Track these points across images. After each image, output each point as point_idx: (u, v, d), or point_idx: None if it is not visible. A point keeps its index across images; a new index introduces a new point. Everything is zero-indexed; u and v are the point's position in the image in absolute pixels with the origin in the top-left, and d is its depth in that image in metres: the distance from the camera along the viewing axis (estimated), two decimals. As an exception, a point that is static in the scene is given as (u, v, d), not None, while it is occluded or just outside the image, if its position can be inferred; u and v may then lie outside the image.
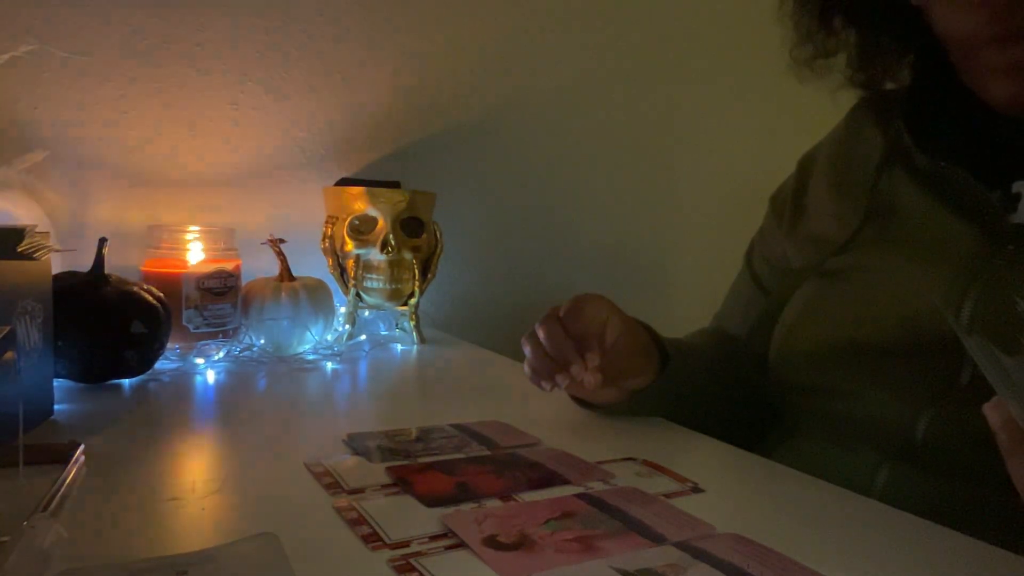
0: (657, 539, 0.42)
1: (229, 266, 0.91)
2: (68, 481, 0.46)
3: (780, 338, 0.70)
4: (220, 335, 0.89)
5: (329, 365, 0.88)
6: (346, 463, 0.53)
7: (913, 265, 0.61)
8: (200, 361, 0.84)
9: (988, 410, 0.42)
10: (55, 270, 0.67)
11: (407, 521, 0.43)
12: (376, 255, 1.00)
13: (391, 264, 1.01)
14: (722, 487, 0.52)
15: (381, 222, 1.00)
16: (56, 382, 0.66)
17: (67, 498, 0.45)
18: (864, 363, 0.61)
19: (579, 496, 0.48)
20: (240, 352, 0.88)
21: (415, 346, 1.04)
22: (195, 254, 0.90)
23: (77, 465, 0.49)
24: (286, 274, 0.96)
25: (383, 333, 1.08)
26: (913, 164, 0.64)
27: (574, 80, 1.33)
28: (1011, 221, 0.57)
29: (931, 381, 0.57)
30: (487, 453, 0.57)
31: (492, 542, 0.40)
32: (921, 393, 0.57)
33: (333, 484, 0.49)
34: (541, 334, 0.63)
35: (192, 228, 0.92)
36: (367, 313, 1.06)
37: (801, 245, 0.73)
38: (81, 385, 0.73)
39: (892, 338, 0.59)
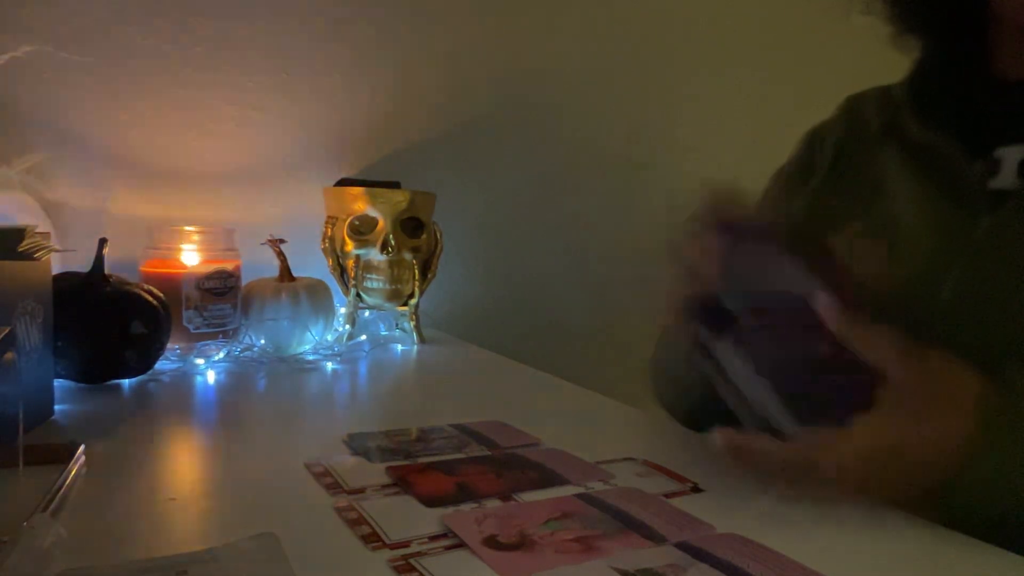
0: (657, 539, 0.42)
1: (229, 266, 0.91)
2: (68, 481, 0.46)
3: None
4: (220, 335, 0.89)
5: (329, 365, 0.88)
6: (346, 463, 0.53)
7: (897, 244, 0.61)
8: (200, 361, 0.84)
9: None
10: (55, 270, 0.67)
11: (407, 521, 0.43)
12: (376, 255, 1.00)
13: (391, 264, 1.01)
14: (722, 487, 0.52)
15: (381, 222, 1.00)
16: (56, 382, 0.66)
17: (67, 498, 0.45)
18: None
19: (579, 496, 0.48)
20: (240, 352, 0.88)
21: (415, 346, 1.04)
22: (195, 254, 0.90)
23: (77, 465, 0.49)
24: (286, 274, 0.96)
25: (383, 333, 1.08)
26: (906, 138, 0.64)
27: (575, 80, 1.33)
28: (990, 187, 0.57)
29: None
30: (487, 453, 0.57)
31: (492, 542, 0.40)
32: None
33: (333, 484, 0.49)
34: None
35: (192, 228, 0.92)
36: (367, 313, 1.06)
37: (799, 219, 0.72)
38: (81, 385, 0.73)
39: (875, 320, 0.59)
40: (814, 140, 0.76)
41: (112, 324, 0.72)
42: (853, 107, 0.73)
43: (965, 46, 0.63)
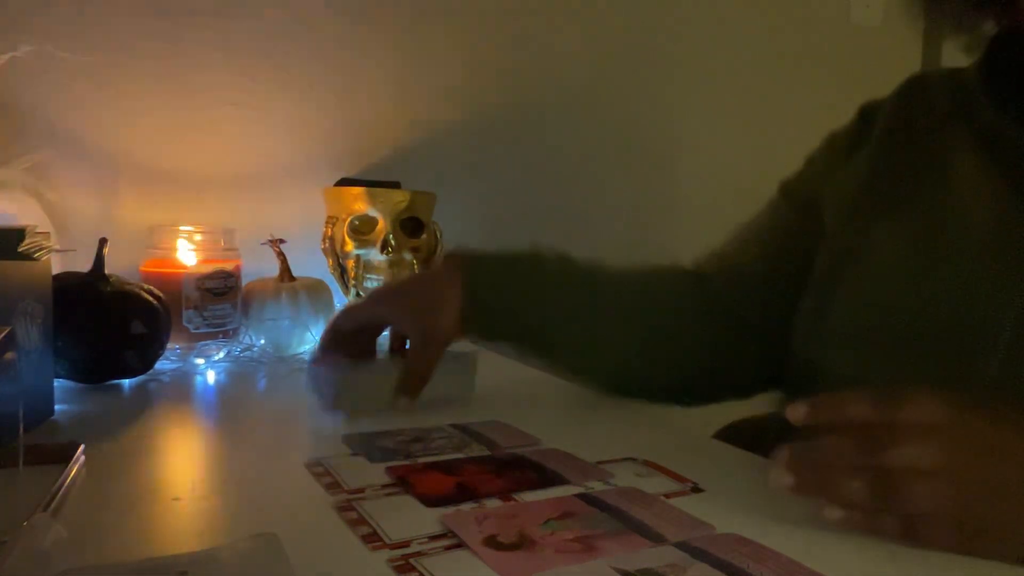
0: (657, 539, 0.42)
1: (229, 266, 0.91)
2: (68, 481, 0.46)
3: (806, 323, 0.66)
4: (220, 335, 0.89)
5: (329, 365, 0.88)
6: (346, 463, 0.53)
7: (955, 237, 0.57)
8: (200, 361, 0.84)
9: None
10: (55, 270, 0.67)
11: (407, 521, 0.43)
12: (376, 255, 1.00)
13: (391, 264, 1.01)
14: (722, 487, 0.52)
15: (381, 222, 1.00)
16: (56, 382, 0.66)
17: (67, 498, 0.45)
18: (881, 351, 0.58)
19: (579, 496, 0.48)
20: (240, 352, 0.88)
21: (415, 346, 1.04)
22: (195, 254, 0.90)
23: (77, 465, 0.49)
24: (286, 274, 0.96)
25: (384, 333, 1.08)
26: (976, 122, 0.60)
27: (574, 79, 1.33)
28: None
29: (955, 373, 0.53)
30: (487, 453, 0.57)
31: (492, 542, 0.40)
32: (945, 386, 0.53)
33: (333, 484, 0.49)
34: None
35: (192, 228, 0.92)
36: (367, 313, 1.06)
37: (837, 196, 0.69)
38: (81, 385, 0.73)
39: (913, 324, 0.56)
40: (868, 112, 0.72)
41: (112, 324, 0.72)
42: (915, 87, 0.69)
43: None
